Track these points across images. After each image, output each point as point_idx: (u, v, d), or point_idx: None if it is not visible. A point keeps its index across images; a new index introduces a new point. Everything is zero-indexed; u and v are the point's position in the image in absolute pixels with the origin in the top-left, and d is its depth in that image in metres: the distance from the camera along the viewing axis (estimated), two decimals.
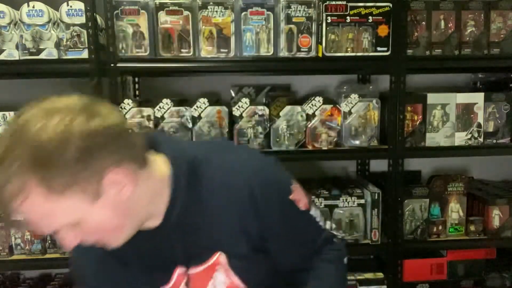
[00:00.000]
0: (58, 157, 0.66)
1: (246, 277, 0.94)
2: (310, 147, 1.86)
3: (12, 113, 1.82)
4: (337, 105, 1.87)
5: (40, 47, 1.74)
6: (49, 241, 1.86)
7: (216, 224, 0.90)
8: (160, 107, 1.85)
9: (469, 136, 1.91)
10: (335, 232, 1.28)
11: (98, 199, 0.72)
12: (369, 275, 1.93)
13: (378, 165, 2.26)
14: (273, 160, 1.00)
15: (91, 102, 0.74)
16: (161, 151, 0.87)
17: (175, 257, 0.91)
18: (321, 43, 1.78)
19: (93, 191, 0.71)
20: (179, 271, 0.92)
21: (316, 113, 1.85)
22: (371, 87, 2.01)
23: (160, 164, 0.85)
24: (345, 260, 1.08)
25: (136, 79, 2.19)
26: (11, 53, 1.74)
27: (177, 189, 0.86)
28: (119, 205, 0.76)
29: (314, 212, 1.02)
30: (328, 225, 1.89)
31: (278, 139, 1.84)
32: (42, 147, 0.66)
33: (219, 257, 0.91)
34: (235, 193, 0.90)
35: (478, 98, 1.91)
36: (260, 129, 1.83)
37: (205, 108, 1.84)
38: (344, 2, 1.76)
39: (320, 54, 1.79)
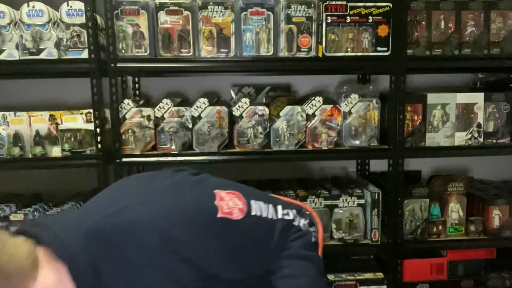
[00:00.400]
0: None
1: None
2: (310, 147, 1.86)
3: (12, 113, 1.83)
4: (337, 105, 1.87)
5: (40, 47, 1.74)
6: None
7: (137, 276, 0.83)
8: (160, 107, 1.85)
9: (469, 136, 1.91)
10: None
11: None
12: (369, 275, 1.93)
13: (378, 165, 2.26)
14: (188, 184, 0.92)
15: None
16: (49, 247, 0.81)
17: None
18: (321, 43, 1.78)
19: None
20: None
21: (316, 113, 1.85)
22: (371, 87, 2.01)
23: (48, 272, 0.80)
24: (313, 238, 0.98)
25: (136, 79, 2.20)
26: (11, 53, 1.74)
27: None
28: None
29: (255, 208, 0.92)
30: (328, 225, 1.89)
31: (278, 139, 1.84)
32: None
33: None
34: (147, 250, 0.83)
35: (478, 98, 1.92)
36: (260, 129, 1.83)
37: (205, 108, 1.84)
38: (344, 2, 1.76)
39: (320, 54, 1.79)
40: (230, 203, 0.89)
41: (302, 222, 0.97)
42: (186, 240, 0.83)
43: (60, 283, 0.80)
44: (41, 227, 0.84)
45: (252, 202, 0.93)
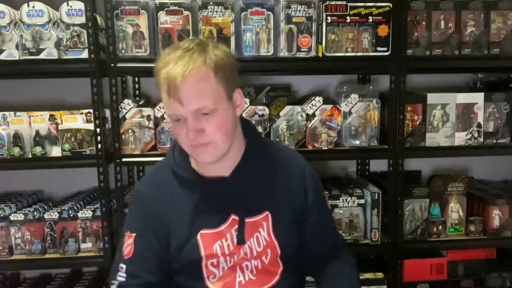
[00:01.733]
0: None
1: (281, 240, 1.13)
2: (310, 147, 1.86)
3: (12, 113, 1.83)
4: (337, 105, 1.87)
5: (40, 47, 1.74)
6: (49, 241, 1.86)
7: (272, 190, 1.14)
8: (160, 107, 1.85)
9: (469, 136, 1.91)
10: None
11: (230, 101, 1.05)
12: (369, 275, 1.93)
13: (378, 165, 2.26)
14: None
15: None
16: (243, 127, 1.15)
17: (232, 205, 1.10)
18: (321, 43, 1.78)
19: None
20: (233, 217, 1.10)
21: (316, 113, 1.86)
22: (371, 87, 2.01)
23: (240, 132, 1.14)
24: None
25: (136, 79, 2.20)
26: (11, 53, 1.74)
27: (249, 152, 1.13)
28: (235, 115, 1.08)
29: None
30: None
31: (278, 139, 1.84)
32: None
33: (267, 216, 1.12)
34: (293, 172, 1.18)
35: (478, 98, 1.92)
36: (260, 129, 1.83)
37: None
38: (344, 2, 1.76)
39: (320, 54, 1.79)
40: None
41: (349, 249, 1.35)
42: (311, 187, 1.22)
43: (240, 141, 1.14)
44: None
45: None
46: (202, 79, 0.98)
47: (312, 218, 1.19)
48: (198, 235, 1.09)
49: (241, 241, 1.10)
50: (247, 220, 1.11)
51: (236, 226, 1.10)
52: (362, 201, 1.92)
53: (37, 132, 1.83)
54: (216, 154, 1.05)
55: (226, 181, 1.11)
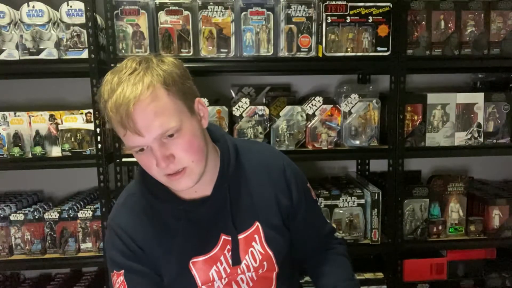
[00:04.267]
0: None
1: (276, 249, 1.08)
2: (310, 147, 1.86)
3: (12, 113, 1.83)
4: (337, 105, 1.87)
5: (40, 47, 1.74)
6: (49, 241, 1.86)
7: (256, 197, 1.07)
8: None
9: (469, 136, 1.91)
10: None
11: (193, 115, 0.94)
12: (369, 275, 1.93)
13: (378, 165, 2.26)
14: None
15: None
16: (210, 133, 1.05)
17: (220, 224, 1.03)
18: (321, 43, 1.78)
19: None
20: (223, 237, 1.03)
21: (316, 113, 1.86)
22: (371, 87, 2.01)
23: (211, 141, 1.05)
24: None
25: None
26: (11, 53, 1.74)
27: (225, 164, 1.04)
28: (201, 128, 0.97)
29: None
30: None
31: (278, 139, 1.84)
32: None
33: (257, 228, 1.06)
34: (272, 172, 1.10)
35: (478, 98, 1.91)
36: (260, 129, 1.83)
37: None
38: (344, 2, 1.76)
39: (320, 54, 1.79)
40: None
41: (340, 238, 1.35)
42: (293, 183, 1.13)
43: (214, 152, 1.05)
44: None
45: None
46: (155, 100, 0.87)
47: (300, 213, 1.13)
48: (190, 264, 1.02)
49: (237, 261, 1.04)
50: (239, 236, 1.04)
51: (229, 247, 1.03)
52: (362, 201, 1.92)
53: (37, 132, 1.83)
54: (194, 177, 0.95)
55: (209, 200, 1.02)
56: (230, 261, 1.04)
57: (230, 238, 1.04)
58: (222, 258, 1.03)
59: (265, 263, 1.07)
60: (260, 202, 1.07)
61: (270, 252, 1.07)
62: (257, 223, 1.06)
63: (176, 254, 1.01)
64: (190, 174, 0.94)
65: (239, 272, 1.06)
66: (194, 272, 1.02)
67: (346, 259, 1.22)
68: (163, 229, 1.02)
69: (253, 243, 1.06)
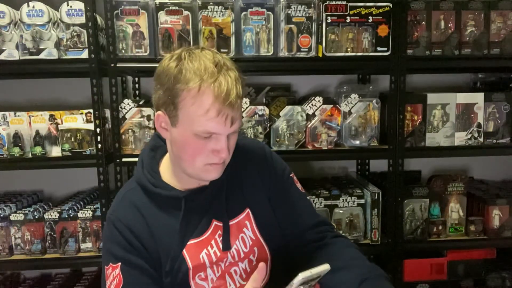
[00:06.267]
0: None
1: (267, 235, 1.10)
2: (310, 147, 1.86)
3: (12, 113, 1.83)
4: (337, 105, 1.87)
5: (40, 47, 1.75)
6: (49, 241, 1.86)
7: (245, 184, 1.11)
8: None
9: (469, 136, 1.91)
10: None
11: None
12: None
13: (378, 165, 2.26)
14: None
15: None
16: None
17: (212, 211, 1.07)
18: (321, 43, 1.78)
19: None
20: (215, 223, 1.07)
21: (316, 113, 1.86)
22: (371, 87, 2.01)
23: None
24: None
25: (136, 79, 2.20)
26: (11, 53, 1.74)
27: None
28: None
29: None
30: None
31: (278, 139, 1.84)
32: None
33: (248, 214, 1.10)
34: (256, 159, 1.14)
35: (478, 98, 1.92)
36: (260, 129, 1.83)
37: None
38: (344, 2, 1.76)
39: (320, 54, 1.79)
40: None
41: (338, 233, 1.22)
42: (274, 165, 1.17)
43: None
44: None
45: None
46: (241, 98, 0.95)
47: (282, 197, 1.14)
48: (184, 251, 1.04)
49: (227, 247, 1.06)
50: (230, 222, 1.07)
51: (219, 232, 1.06)
52: (362, 201, 1.92)
53: (37, 132, 1.83)
54: (223, 169, 1.03)
55: (207, 188, 1.06)
56: (221, 246, 1.06)
57: (221, 224, 1.07)
58: (212, 242, 1.06)
59: (255, 248, 1.09)
60: (250, 188, 1.12)
61: (261, 239, 1.10)
62: (248, 210, 1.10)
63: (177, 242, 1.04)
64: (224, 166, 1.02)
65: (229, 257, 1.07)
66: (186, 255, 1.04)
67: (353, 249, 1.11)
68: (162, 221, 1.04)
69: (244, 229, 1.09)
